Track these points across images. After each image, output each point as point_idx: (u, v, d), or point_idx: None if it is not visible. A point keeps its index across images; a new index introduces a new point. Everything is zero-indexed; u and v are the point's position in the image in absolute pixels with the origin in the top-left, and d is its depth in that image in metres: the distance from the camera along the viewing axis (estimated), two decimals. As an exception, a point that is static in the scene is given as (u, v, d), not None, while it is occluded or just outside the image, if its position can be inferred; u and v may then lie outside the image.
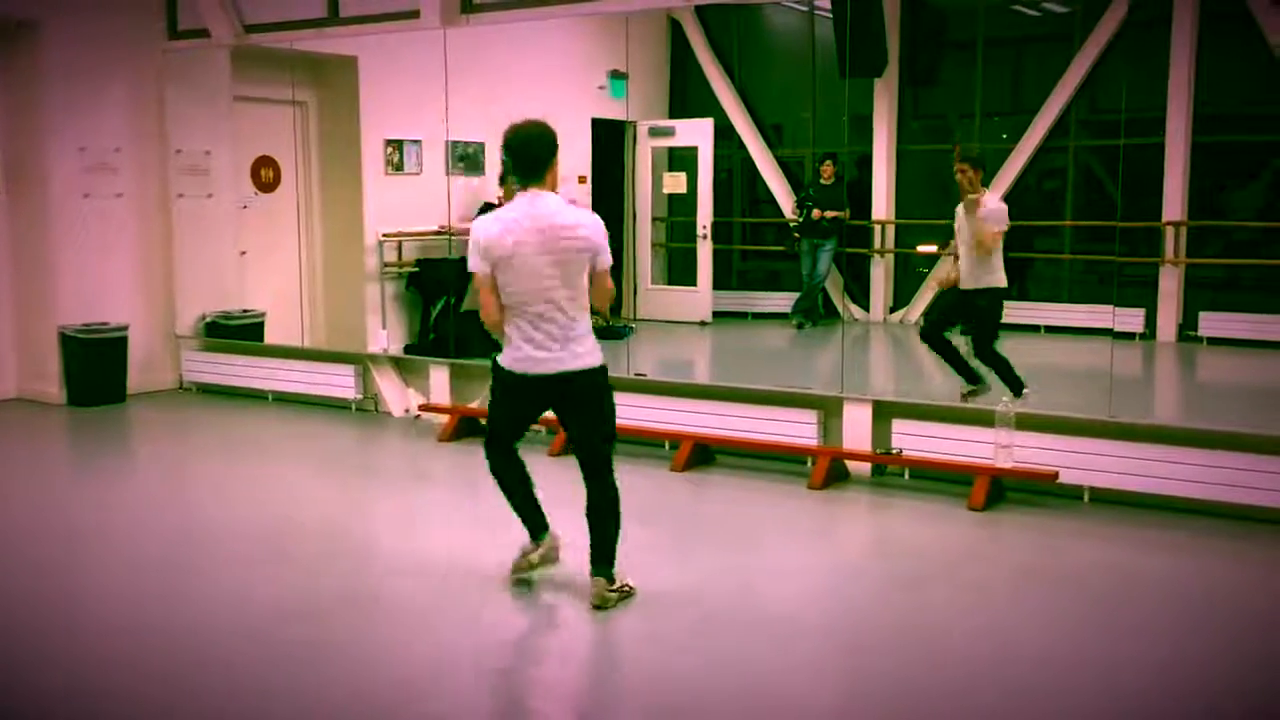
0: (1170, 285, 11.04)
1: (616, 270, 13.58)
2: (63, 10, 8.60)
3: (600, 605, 4.57)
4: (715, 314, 12.69)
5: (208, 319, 9.46)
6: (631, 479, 6.75)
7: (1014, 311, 11.85)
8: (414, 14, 7.98)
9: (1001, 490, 6.16)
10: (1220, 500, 5.73)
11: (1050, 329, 11.53)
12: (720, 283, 13.02)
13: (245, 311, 9.57)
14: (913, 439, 6.45)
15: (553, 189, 4.70)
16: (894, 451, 6.49)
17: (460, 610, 4.66)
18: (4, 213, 8.91)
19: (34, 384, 8.97)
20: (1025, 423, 6.09)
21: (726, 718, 3.70)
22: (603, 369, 4.66)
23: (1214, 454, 5.75)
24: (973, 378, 7.48)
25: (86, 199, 8.90)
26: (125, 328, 8.96)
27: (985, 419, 6.17)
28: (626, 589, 4.70)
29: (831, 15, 12.18)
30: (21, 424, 8.42)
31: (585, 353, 4.59)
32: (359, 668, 4.09)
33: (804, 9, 12.78)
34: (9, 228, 8.92)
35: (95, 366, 8.79)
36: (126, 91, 9.07)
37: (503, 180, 10.97)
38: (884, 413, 6.60)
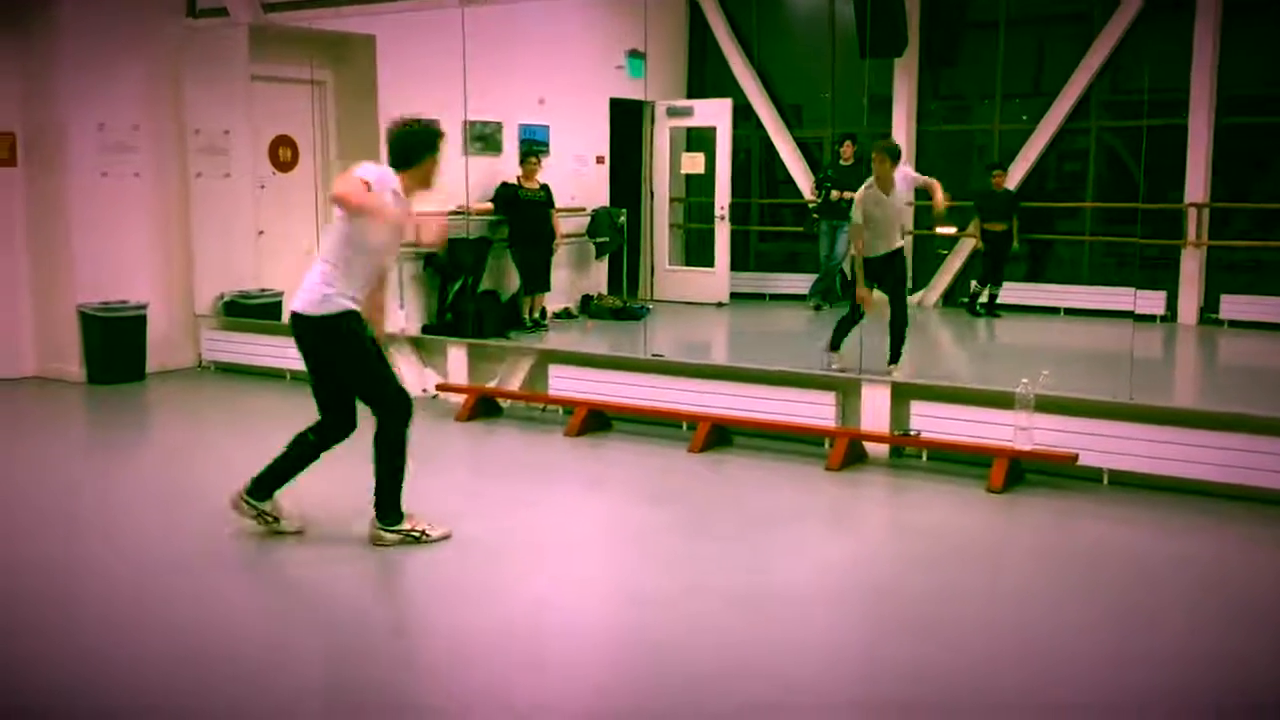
0: (1192, 268, 10.96)
1: (633, 251, 13.60)
2: (80, -13, 8.61)
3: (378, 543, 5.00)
4: (732, 295, 12.67)
5: (226, 298, 9.48)
6: (649, 459, 6.81)
7: (1033, 293, 11.85)
8: (432, -8, 7.95)
9: (1020, 472, 6.14)
10: (1241, 484, 5.69)
11: (1070, 311, 11.47)
12: (738, 264, 12.99)
13: (263, 291, 9.59)
14: (931, 420, 6.42)
15: (423, 184, 5.02)
16: (912, 433, 6.47)
17: (481, 584, 4.67)
18: (23, 191, 8.93)
19: (54, 362, 9.01)
20: (1045, 405, 6.05)
21: (736, 697, 3.70)
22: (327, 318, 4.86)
23: (1235, 437, 5.70)
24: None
25: (105, 177, 8.91)
26: (144, 306, 8.99)
27: (1004, 401, 6.14)
28: (416, 534, 5.01)
29: (851, -6, 12.09)
30: (41, 402, 8.47)
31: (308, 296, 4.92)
32: (388, 639, 4.10)
33: (823, -12, 12.69)
34: (28, 206, 8.95)
35: (114, 345, 8.82)
36: (144, 70, 9.07)
37: (524, 160, 10.98)
38: (902, 394, 6.58)
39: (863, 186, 8.16)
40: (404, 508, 5.08)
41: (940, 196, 8.40)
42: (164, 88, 9.18)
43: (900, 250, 8.30)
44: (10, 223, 8.89)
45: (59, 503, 5.91)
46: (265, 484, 5.13)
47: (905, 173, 8.39)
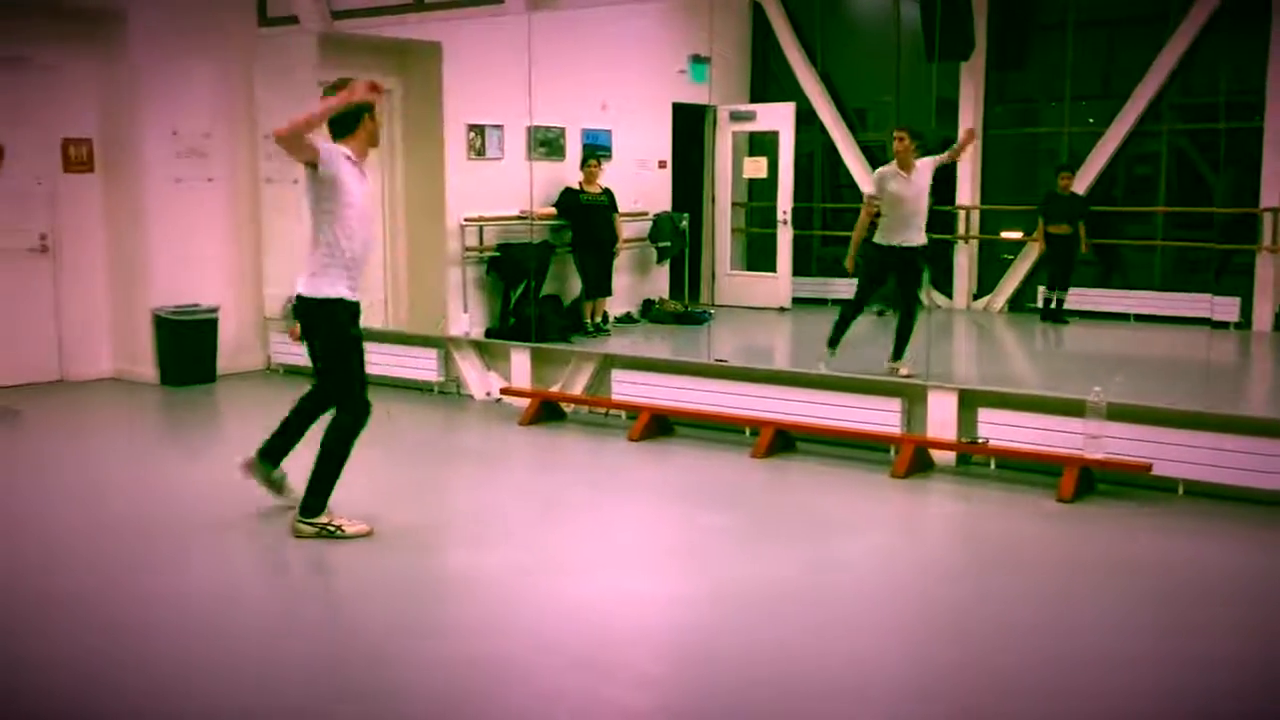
0: (1267, 274, 10.70)
1: (695, 255, 13.55)
2: (156, -2, 8.81)
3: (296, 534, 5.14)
4: (794, 300, 12.59)
5: (294, 301, 9.60)
6: (710, 464, 6.80)
7: (1104, 299, 11.64)
8: (499, 0, 8.00)
9: (1092, 481, 6.03)
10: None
11: (1140, 317, 11.26)
12: (800, 269, 12.90)
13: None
14: (999, 428, 6.34)
15: (370, 143, 5.27)
16: (980, 440, 6.38)
17: (537, 593, 4.70)
18: (100, 197, 9.14)
19: (129, 364, 9.21)
20: (1117, 413, 5.94)
21: (789, 700, 3.68)
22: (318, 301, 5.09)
23: (1316, 448, 5.56)
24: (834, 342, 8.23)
25: (179, 183, 9.10)
26: (216, 309, 9.16)
27: (1074, 409, 6.04)
28: (332, 529, 5.12)
29: (917, -2, 11.98)
30: (117, 402, 8.66)
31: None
32: (469, 645, 4.14)
33: (888, -9, 12.59)
34: (105, 211, 9.16)
35: (187, 347, 9.00)
36: (217, 77, 9.25)
37: (584, 164, 11.03)
38: (970, 401, 6.50)
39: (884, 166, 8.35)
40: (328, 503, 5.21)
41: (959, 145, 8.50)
42: (236, 95, 9.35)
43: (919, 249, 8.20)
44: (89, 228, 9.11)
45: (130, 500, 6.03)
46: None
47: (927, 161, 8.30)
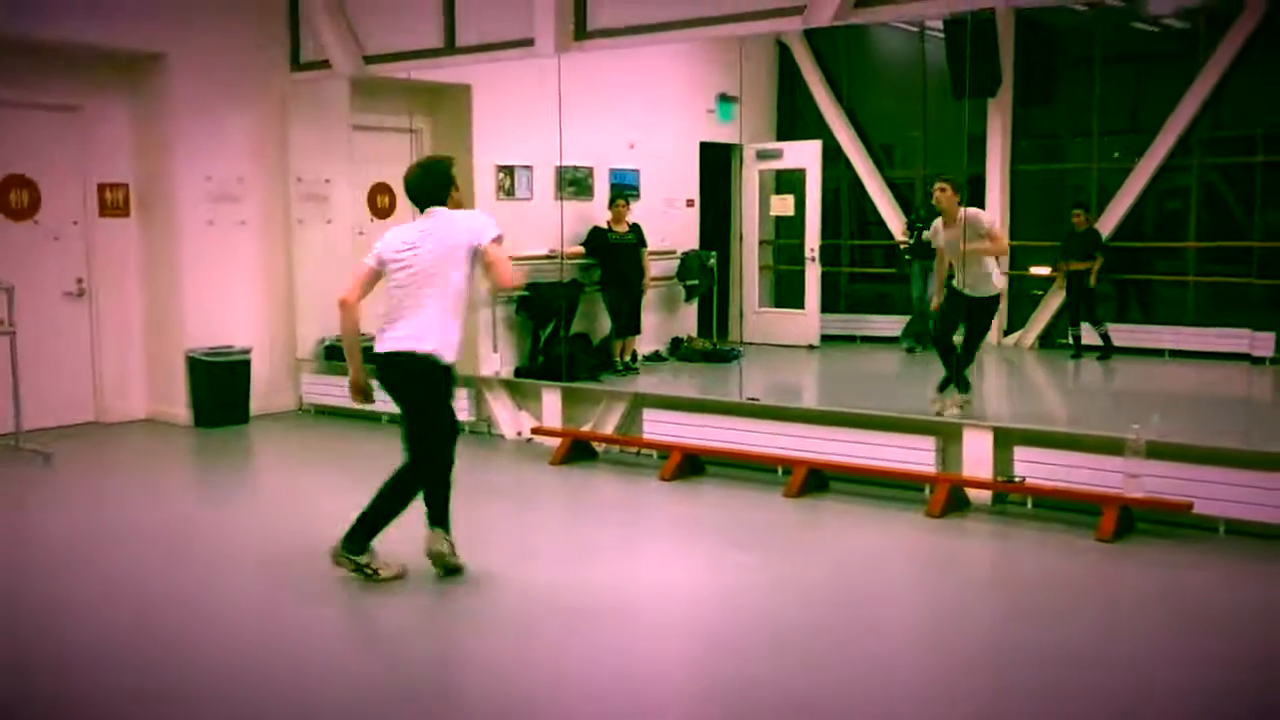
0: (1302, 308, 10.60)
1: (723, 293, 13.55)
2: (190, 43, 8.93)
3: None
4: (823, 337, 12.56)
5: (326, 343, 9.68)
6: (743, 504, 6.76)
7: (1137, 335, 11.56)
8: (529, 42, 8.08)
9: (1132, 521, 5.96)
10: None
11: (1174, 353, 11.17)
12: (828, 306, 12.88)
13: (362, 335, 9.73)
14: (1036, 466, 6.28)
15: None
16: (1017, 479, 6.32)
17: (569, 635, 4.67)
18: (136, 241, 9.25)
19: (163, 405, 9.27)
20: (1157, 451, 5.88)
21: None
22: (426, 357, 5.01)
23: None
24: (966, 386, 7.94)
25: (211, 225, 9.20)
26: (249, 351, 9.22)
27: (1113, 447, 5.98)
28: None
29: (943, 35, 12.02)
30: (151, 443, 8.71)
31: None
32: (501, 681, 4.11)
33: (914, 29, 12.63)
34: (140, 254, 9.27)
35: (220, 389, 9.06)
36: (251, 121, 9.36)
37: (612, 203, 11.08)
38: (1005, 439, 6.44)
39: None
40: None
41: (990, 245, 8.11)
42: (269, 138, 9.47)
43: (986, 298, 8.10)
44: (124, 271, 9.21)
45: (161, 542, 6.04)
46: (368, 532, 5.17)
47: (971, 213, 8.16)
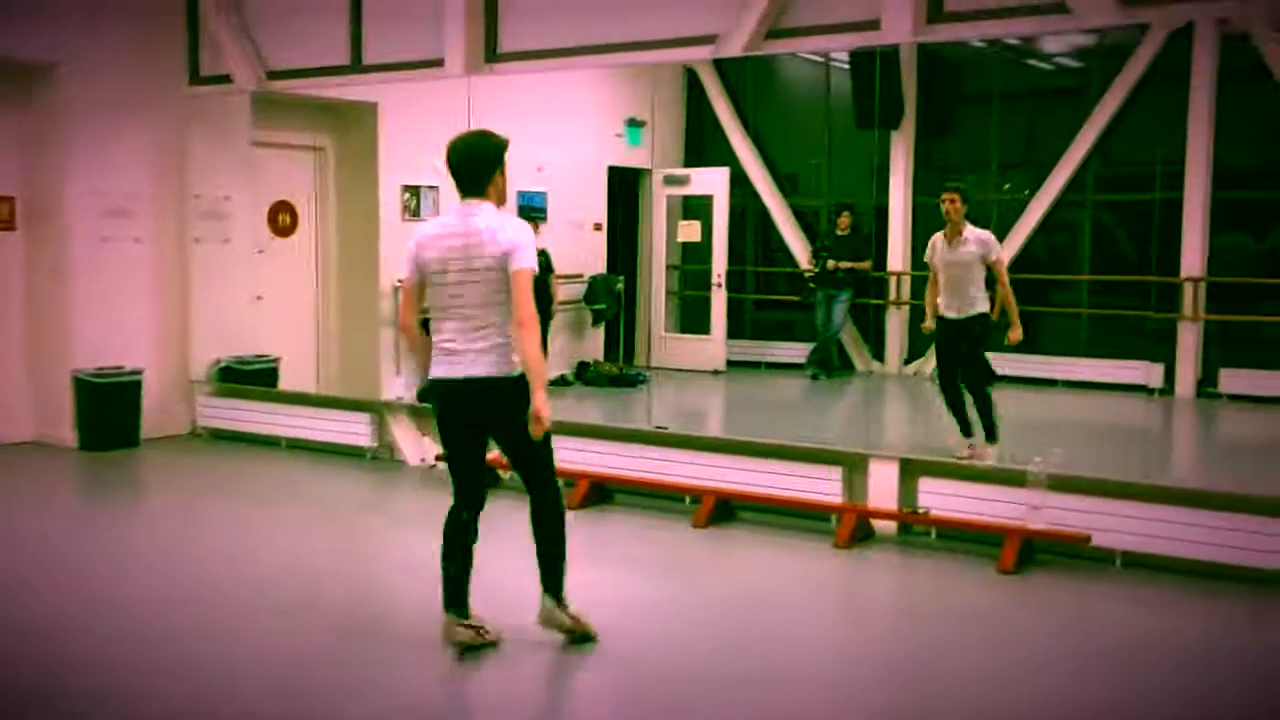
0: (1189, 341, 10.98)
1: (630, 318, 13.54)
2: (83, 54, 8.60)
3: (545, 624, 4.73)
4: (729, 363, 12.64)
5: (222, 364, 9.39)
6: (652, 534, 6.70)
7: (1030, 365, 11.83)
8: (438, 62, 7.96)
9: (1032, 552, 6.06)
10: (1259, 566, 5.61)
11: (1067, 383, 11.46)
12: (734, 331, 12.98)
13: (259, 357, 9.50)
14: (941, 498, 6.35)
15: (498, 202, 4.65)
16: (921, 510, 6.39)
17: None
18: (21, 256, 8.85)
19: (49, 428, 8.88)
20: (1058, 484, 5.99)
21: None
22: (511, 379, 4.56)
23: (1249, 519, 5.64)
24: (969, 429, 7.81)
25: (104, 242, 8.85)
26: (139, 372, 8.89)
27: (1015, 479, 6.08)
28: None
29: (849, 66, 12.23)
30: (33, 468, 8.33)
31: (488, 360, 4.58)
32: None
33: (821, 60, 12.82)
34: (25, 271, 8.87)
35: (108, 411, 8.71)
36: (146, 135, 9.05)
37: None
38: (911, 470, 6.51)
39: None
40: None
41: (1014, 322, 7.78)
42: (166, 153, 9.16)
43: (970, 318, 7.70)
44: (6, 287, 8.81)
45: (42, 571, 5.76)
46: (456, 599, 4.76)
47: (981, 236, 7.76)
